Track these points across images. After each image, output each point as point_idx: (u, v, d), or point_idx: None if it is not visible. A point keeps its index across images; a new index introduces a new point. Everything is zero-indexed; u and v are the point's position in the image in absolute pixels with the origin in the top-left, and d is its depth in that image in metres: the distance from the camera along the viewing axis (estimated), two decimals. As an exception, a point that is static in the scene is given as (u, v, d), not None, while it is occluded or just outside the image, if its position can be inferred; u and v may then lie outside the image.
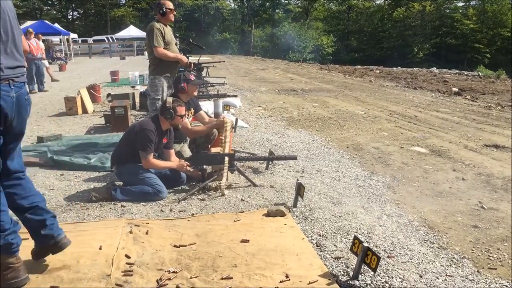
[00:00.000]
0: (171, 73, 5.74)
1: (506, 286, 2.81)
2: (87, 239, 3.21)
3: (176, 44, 6.02)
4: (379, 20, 55.94)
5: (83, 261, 2.87)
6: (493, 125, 8.94)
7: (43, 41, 19.20)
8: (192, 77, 5.00)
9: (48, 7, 58.52)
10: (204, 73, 11.98)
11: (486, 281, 2.87)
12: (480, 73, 28.89)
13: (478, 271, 3.00)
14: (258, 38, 54.36)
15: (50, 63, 21.68)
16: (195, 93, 5.17)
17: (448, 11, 52.46)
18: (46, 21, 31.99)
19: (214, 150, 5.21)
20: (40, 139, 6.51)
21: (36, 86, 13.22)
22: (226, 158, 4.40)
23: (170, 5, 5.63)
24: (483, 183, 5.07)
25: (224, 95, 8.34)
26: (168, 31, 5.71)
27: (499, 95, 15.36)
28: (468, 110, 11.11)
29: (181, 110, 4.31)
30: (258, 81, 17.63)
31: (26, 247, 2.80)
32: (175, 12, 5.74)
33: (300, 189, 3.87)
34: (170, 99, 4.32)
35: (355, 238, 2.80)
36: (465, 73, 28.75)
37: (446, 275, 2.88)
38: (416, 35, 51.50)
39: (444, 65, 39.22)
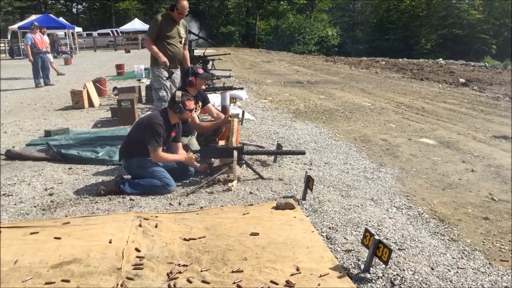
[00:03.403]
0: (169, 66, 5.77)
1: (519, 278, 2.79)
2: (97, 233, 3.21)
3: (184, 41, 6.00)
4: (385, 11, 55.46)
5: (93, 254, 2.87)
6: (502, 116, 8.87)
7: (48, 35, 19.22)
8: (200, 71, 4.98)
9: (53, 1, 58.45)
10: (209, 66, 11.94)
11: (498, 273, 2.84)
12: (486, 64, 28.69)
13: (489, 263, 2.97)
14: (262, 31, 54.13)
15: (55, 57, 21.71)
16: (203, 87, 5.15)
17: (454, 1, 51.93)
18: (51, 15, 31.90)
19: (221, 143, 5.20)
20: (48, 133, 6.51)
21: (42, 80, 13.23)
22: (235, 152, 4.38)
23: (184, 7, 5.63)
24: (493, 174, 5.03)
25: (230, 88, 8.33)
26: (176, 27, 5.77)
27: (506, 86, 15.23)
28: (475, 101, 11.02)
29: (190, 104, 4.30)
30: (264, 74, 17.58)
31: (36, 242, 2.80)
32: (183, 15, 5.73)
33: (309, 182, 3.85)
34: (179, 93, 4.29)
35: (366, 230, 2.78)
36: (472, 64, 28.55)
37: (458, 267, 2.87)
38: (423, 25, 51.10)
39: (450, 56, 38.93)
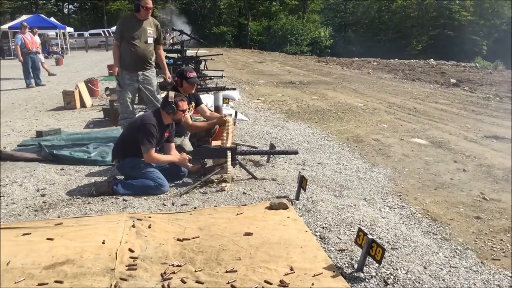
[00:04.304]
0: (129, 68, 5.59)
1: (510, 276, 2.82)
2: (90, 234, 3.20)
3: (157, 41, 5.79)
4: (376, 11, 55.75)
5: (87, 255, 2.86)
6: (492, 116, 8.95)
7: (39, 35, 19.07)
8: (191, 75, 4.92)
9: (44, 1, 58.03)
10: (202, 66, 11.94)
11: (490, 272, 2.87)
12: (477, 64, 28.90)
13: (481, 262, 3.00)
14: (255, 31, 54.09)
15: (46, 57, 21.57)
16: (192, 91, 5.09)
17: (445, 1, 52.23)
18: (42, 15, 31.68)
19: (214, 143, 5.19)
20: (39, 134, 6.47)
21: (33, 80, 13.14)
22: (229, 153, 4.38)
23: (148, 3, 5.46)
24: (484, 174, 5.08)
25: (223, 88, 8.32)
26: (142, 26, 5.55)
27: (497, 86, 15.36)
28: (466, 101, 11.11)
29: (183, 104, 4.28)
30: (256, 74, 17.59)
31: (31, 242, 2.78)
32: (149, 10, 5.54)
33: (302, 182, 3.86)
34: (172, 94, 4.28)
35: (360, 230, 2.79)
36: (463, 65, 28.74)
37: (450, 266, 2.89)
38: (414, 26, 51.40)
39: (441, 56, 39.14)
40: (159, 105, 5.50)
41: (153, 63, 5.84)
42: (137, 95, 5.91)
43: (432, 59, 33.26)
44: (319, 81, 15.20)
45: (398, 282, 2.63)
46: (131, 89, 5.65)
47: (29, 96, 11.15)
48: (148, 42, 5.63)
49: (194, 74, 5.01)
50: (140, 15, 5.54)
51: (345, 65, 24.62)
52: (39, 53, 14.05)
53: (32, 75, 13.16)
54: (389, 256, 2.93)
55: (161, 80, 8.59)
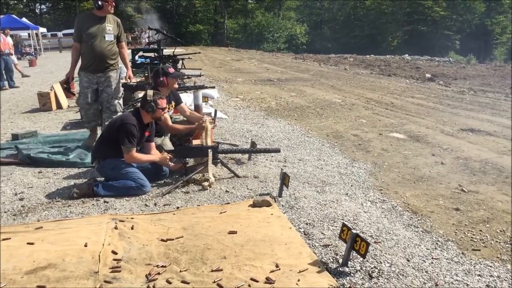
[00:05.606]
0: (87, 69, 5.44)
1: (491, 266, 2.88)
2: (71, 237, 3.14)
3: (118, 39, 5.59)
4: (351, 8, 56.31)
5: (69, 259, 2.81)
6: (467, 109, 9.13)
7: (11, 36, 18.67)
8: (171, 70, 4.91)
9: (15, 1, 56.76)
10: (179, 65, 11.84)
11: (471, 262, 2.93)
12: (451, 59, 29.45)
13: (462, 253, 3.06)
14: (231, 29, 54.00)
15: (19, 58, 21.13)
16: (176, 86, 5.08)
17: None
18: (14, 16, 31.01)
19: (195, 142, 5.16)
20: (15, 137, 6.32)
21: (6, 82, 12.86)
22: (210, 152, 4.36)
23: None
24: (461, 166, 5.18)
25: (202, 87, 8.27)
26: (99, 24, 5.36)
27: (470, 80, 15.70)
28: (442, 95, 11.31)
29: (162, 102, 4.25)
30: (234, 72, 17.56)
31: (10, 247, 2.72)
32: (110, 4, 5.33)
33: (285, 179, 3.87)
34: (150, 92, 4.24)
35: (344, 225, 2.81)
36: (437, 59, 29.27)
37: (432, 258, 2.94)
38: (389, 22, 52.09)
39: (416, 52, 39.75)
40: (114, 111, 5.42)
41: (116, 63, 5.64)
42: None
43: (407, 55, 33.81)
44: (297, 78, 15.26)
45: (383, 275, 2.66)
46: (89, 92, 5.50)
47: (2, 99, 10.89)
48: (107, 39, 5.40)
49: (172, 69, 5.00)
50: (104, 11, 5.33)
51: (322, 62, 24.79)
52: (12, 55, 13.77)
53: (5, 77, 12.88)
54: (373, 250, 2.97)
55: (139, 79, 8.51)
